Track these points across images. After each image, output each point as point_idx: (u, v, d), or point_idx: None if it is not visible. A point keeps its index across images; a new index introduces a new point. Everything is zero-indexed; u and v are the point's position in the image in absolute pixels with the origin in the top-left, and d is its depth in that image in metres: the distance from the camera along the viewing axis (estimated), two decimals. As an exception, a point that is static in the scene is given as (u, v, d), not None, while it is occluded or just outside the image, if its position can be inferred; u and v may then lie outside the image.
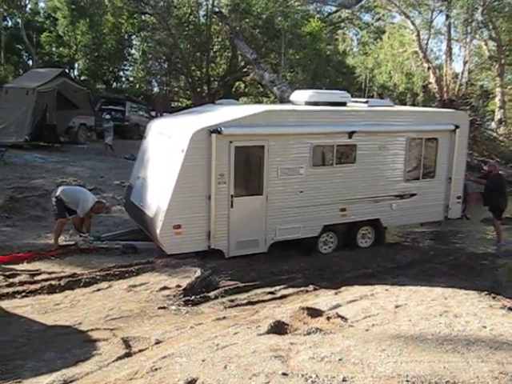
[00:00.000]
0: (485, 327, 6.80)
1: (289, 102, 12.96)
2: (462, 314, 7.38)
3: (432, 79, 34.07)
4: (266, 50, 33.54)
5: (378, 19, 40.15)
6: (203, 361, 5.64)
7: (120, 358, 6.13)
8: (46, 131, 21.35)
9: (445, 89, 33.58)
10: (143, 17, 35.77)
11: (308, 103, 11.58)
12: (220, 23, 32.66)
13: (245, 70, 34.54)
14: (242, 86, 39.20)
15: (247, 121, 10.23)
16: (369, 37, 40.49)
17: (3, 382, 5.43)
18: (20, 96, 20.68)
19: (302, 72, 31.11)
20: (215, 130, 9.70)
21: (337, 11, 39.31)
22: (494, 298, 8.60)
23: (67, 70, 32.31)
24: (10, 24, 38.10)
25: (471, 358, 5.70)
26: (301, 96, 12.00)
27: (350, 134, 11.18)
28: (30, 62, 36.71)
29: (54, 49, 38.05)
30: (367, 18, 40.31)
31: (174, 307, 8.14)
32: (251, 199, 10.46)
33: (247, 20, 31.98)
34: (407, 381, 5.07)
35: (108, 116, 23.30)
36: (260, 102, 35.05)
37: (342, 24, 41.28)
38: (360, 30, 41.50)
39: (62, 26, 35.36)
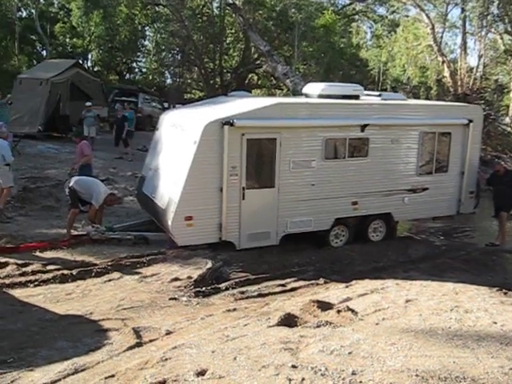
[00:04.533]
0: (495, 323, 6.76)
1: (302, 94, 12.92)
2: (473, 310, 7.35)
3: (446, 73, 33.78)
4: (280, 42, 33.45)
5: (393, 12, 39.86)
6: (213, 352, 5.67)
7: (131, 347, 6.16)
8: (60, 122, 21.51)
9: (459, 83, 33.29)
10: (157, 8, 35.78)
11: (321, 96, 11.55)
12: (233, 15, 32.58)
13: (258, 62, 34.47)
14: (255, 78, 39.12)
15: (260, 113, 10.21)
16: (383, 30, 40.22)
17: (16, 370, 5.49)
18: (34, 87, 20.84)
19: (316, 65, 31.01)
20: (228, 122, 9.69)
21: (351, 4, 39.08)
22: (505, 293, 8.56)
23: (81, 61, 32.42)
24: (24, 15, 38.25)
25: (481, 353, 5.68)
26: (314, 89, 11.96)
27: (363, 128, 11.14)
28: (44, 53, 36.85)
29: (67, 40, 38.18)
30: (382, 10, 40.05)
31: (184, 298, 8.18)
32: (263, 191, 10.46)
33: (261, 12, 31.91)
34: (417, 375, 5.06)
35: (89, 103, 20.49)
36: (273, 95, 35.00)
37: (356, 17, 41.05)
38: (374, 22, 41.23)
39: (75, 16, 35.42)
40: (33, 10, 35.63)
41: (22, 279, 8.49)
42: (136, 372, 5.35)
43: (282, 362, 5.29)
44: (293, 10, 31.50)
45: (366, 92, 12.72)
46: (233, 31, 35.91)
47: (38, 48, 39.20)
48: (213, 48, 34.36)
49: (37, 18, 33.73)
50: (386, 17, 40.23)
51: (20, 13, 37.43)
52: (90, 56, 39.02)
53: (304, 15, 30.25)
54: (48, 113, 20.93)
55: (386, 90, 35.20)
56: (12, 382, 5.24)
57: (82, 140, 13.18)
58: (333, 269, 10.13)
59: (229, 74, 36.42)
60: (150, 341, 6.40)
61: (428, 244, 12.85)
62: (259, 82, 39.13)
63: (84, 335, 6.56)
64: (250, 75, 38.44)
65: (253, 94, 29.37)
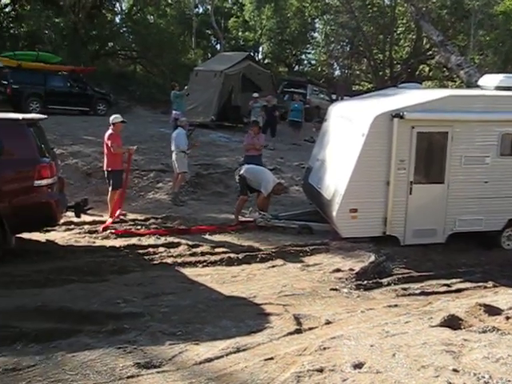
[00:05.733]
0: None
1: (476, 86, 12.28)
2: None
3: None
4: (454, 31, 31.92)
5: None
6: (371, 346, 5.63)
7: (290, 333, 6.30)
8: (231, 112, 22.46)
9: None
10: (327, 0, 35.83)
11: (498, 88, 10.87)
12: (405, 4, 31.64)
13: (430, 52, 33.20)
14: (426, 69, 37.74)
15: (431, 106, 9.88)
16: None
17: (184, 342, 5.87)
18: (208, 78, 21.96)
19: (493, 55, 29.20)
20: (397, 115, 9.51)
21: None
22: None
23: (252, 54, 33.50)
24: (200, 11, 40.35)
25: None
26: (490, 80, 11.31)
27: (545, 123, 10.33)
28: (218, 46, 38.56)
29: (240, 33, 39.70)
30: None
31: (345, 290, 8.20)
32: (431, 187, 10.14)
33: (434, 0, 30.67)
34: None
35: (256, 94, 20.87)
36: (445, 87, 33.56)
37: (543, 2, 37.92)
38: None
39: (248, 11, 36.73)
40: (208, 6, 37.40)
41: (192, 259, 9.06)
42: (294, 357, 5.47)
43: (443, 365, 5.12)
44: (469, -3, 29.92)
45: (551, 84, 11.75)
46: (404, 21, 34.84)
47: (212, 42, 41.15)
48: (383, 39, 33.68)
49: (212, 13, 35.37)
50: None
51: (197, 9, 39.53)
52: (260, 49, 40.25)
53: (481, 2, 28.52)
54: (221, 103, 21.95)
55: None
56: (180, 353, 5.59)
57: (260, 130, 13.57)
58: (503, 272, 9.53)
59: (399, 66, 35.48)
60: (310, 329, 6.50)
61: None
62: (430, 74, 37.70)
63: (247, 317, 6.84)
64: (420, 66, 37.18)
65: (424, 85, 28.41)
